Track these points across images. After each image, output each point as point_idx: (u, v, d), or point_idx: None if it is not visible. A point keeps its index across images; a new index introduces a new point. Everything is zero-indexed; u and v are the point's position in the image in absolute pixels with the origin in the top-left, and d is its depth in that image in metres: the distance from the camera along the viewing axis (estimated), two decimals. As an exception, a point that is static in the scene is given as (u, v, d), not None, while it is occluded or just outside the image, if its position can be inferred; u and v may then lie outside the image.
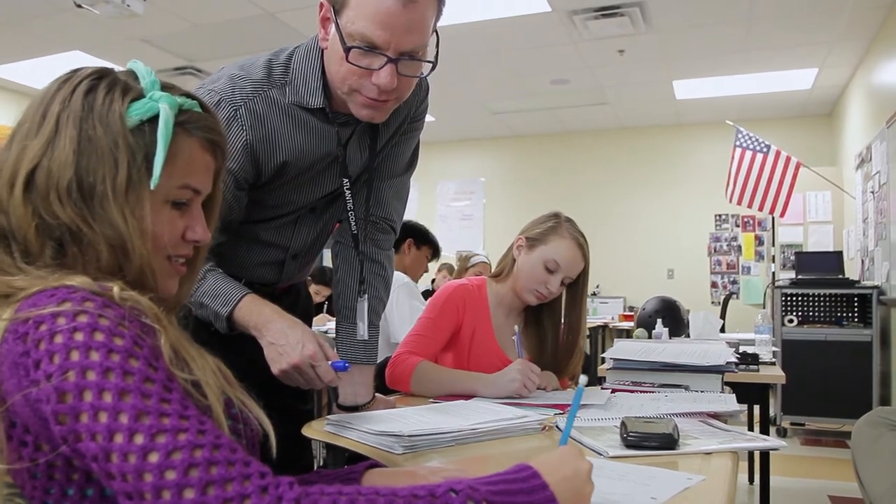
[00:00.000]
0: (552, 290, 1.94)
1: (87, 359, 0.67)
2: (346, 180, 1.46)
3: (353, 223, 1.50)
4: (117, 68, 0.89)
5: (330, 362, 1.28)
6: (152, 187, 0.81)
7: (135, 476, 0.63)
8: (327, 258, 6.29)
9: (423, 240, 3.75)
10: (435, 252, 3.88)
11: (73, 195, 0.79)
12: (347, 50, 1.23)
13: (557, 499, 0.70)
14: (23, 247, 0.80)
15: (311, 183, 1.48)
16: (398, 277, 3.30)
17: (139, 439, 0.64)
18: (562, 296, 2.03)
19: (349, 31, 1.22)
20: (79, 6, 4.40)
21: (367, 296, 1.54)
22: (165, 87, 0.86)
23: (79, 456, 0.67)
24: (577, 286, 2.01)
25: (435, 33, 1.31)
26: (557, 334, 2.04)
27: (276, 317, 1.31)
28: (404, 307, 3.16)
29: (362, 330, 1.53)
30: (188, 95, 0.88)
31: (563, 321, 2.04)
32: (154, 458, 0.63)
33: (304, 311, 1.76)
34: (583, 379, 0.92)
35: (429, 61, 1.28)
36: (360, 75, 1.26)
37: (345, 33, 1.23)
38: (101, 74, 0.85)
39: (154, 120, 0.82)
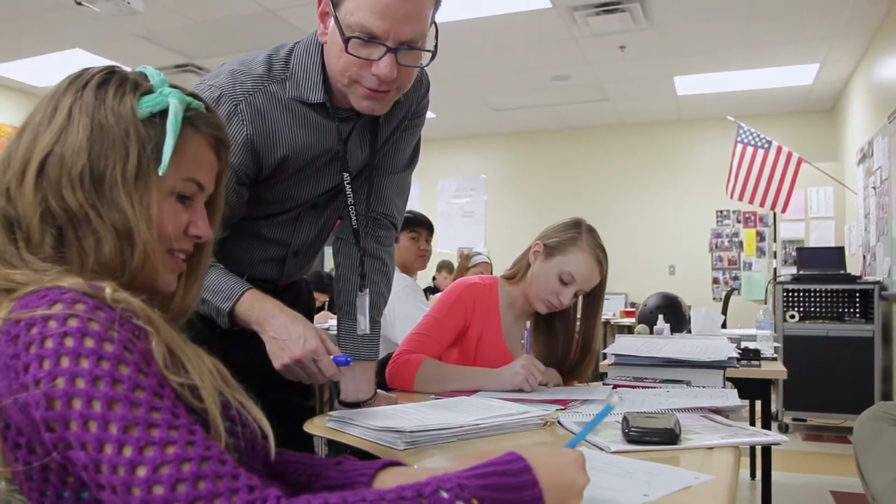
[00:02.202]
0: (563, 303, 1.90)
1: (77, 366, 0.67)
2: (346, 175, 1.46)
3: (353, 218, 1.50)
4: (125, 68, 0.90)
5: (332, 356, 1.28)
6: (161, 173, 0.83)
7: (123, 489, 0.63)
8: (328, 258, 6.29)
9: (416, 224, 3.46)
10: (428, 230, 3.54)
11: (84, 181, 0.80)
12: (346, 40, 1.23)
13: (544, 499, 0.70)
14: (26, 236, 0.81)
15: (312, 179, 1.48)
16: (402, 279, 3.26)
17: (128, 452, 0.64)
18: (577, 303, 1.99)
19: (348, 22, 1.22)
20: (79, 3, 4.40)
21: (367, 291, 1.54)
22: (173, 87, 0.89)
23: (70, 463, 0.67)
24: (593, 296, 1.97)
25: (434, 25, 1.31)
26: (570, 342, 2.01)
27: (278, 311, 1.31)
28: (407, 308, 3.14)
29: (363, 325, 1.53)
30: (194, 96, 0.91)
31: (577, 329, 2.01)
32: (142, 472, 0.63)
33: (306, 307, 1.76)
34: (615, 399, 0.89)
35: (428, 51, 1.28)
36: (360, 66, 1.26)
37: (344, 25, 1.23)
38: (111, 71, 0.87)
39: (164, 114, 0.85)
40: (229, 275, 1.37)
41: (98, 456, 0.64)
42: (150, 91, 0.86)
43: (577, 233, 1.93)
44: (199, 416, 0.73)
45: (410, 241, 3.49)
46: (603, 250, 1.93)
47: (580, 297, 1.97)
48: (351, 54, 1.24)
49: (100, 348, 0.68)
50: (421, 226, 3.53)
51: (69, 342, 0.68)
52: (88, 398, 0.65)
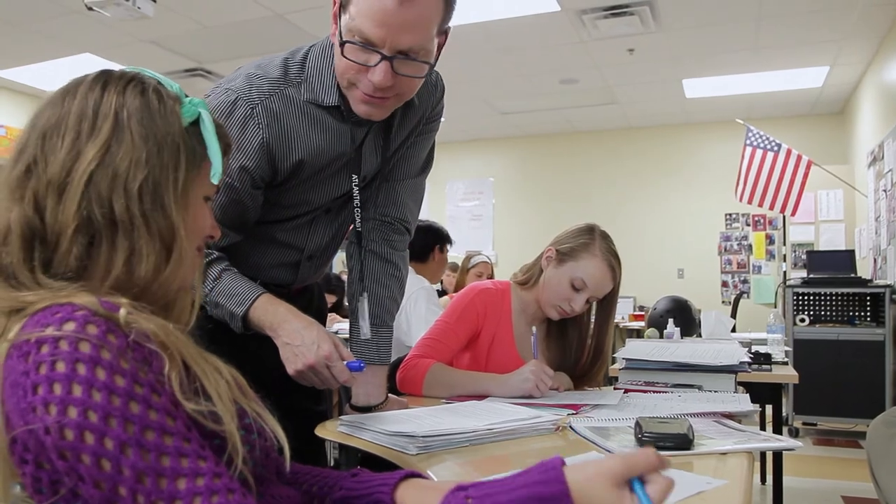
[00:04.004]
0: (575, 309, 1.89)
1: (90, 398, 0.67)
2: (354, 177, 1.45)
3: (358, 220, 1.50)
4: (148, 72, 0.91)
5: (345, 362, 1.28)
6: (216, 181, 0.86)
7: None
8: (336, 261, 6.34)
9: (445, 240, 3.66)
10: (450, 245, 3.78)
11: (143, 194, 0.80)
12: (342, 44, 1.24)
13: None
14: (50, 252, 0.79)
15: (327, 183, 1.48)
16: (417, 281, 3.30)
17: (141, 500, 0.65)
18: (590, 309, 1.98)
19: (350, 26, 1.23)
20: (89, 9, 4.42)
21: (366, 295, 1.54)
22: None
23: (82, 497, 0.68)
24: (606, 302, 1.95)
25: (444, 35, 1.30)
26: (582, 346, 2.01)
27: (292, 317, 1.31)
28: (422, 311, 3.17)
29: (365, 329, 1.53)
30: None
31: (589, 334, 2.00)
32: None
33: (318, 312, 1.76)
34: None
35: (425, 62, 1.26)
36: (357, 70, 1.26)
37: (346, 28, 1.24)
38: (135, 77, 0.86)
39: (195, 123, 0.86)
40: (243, 279, 1.37)
41: (113, 497, 0.65)
42: (179, 100, 0.87)
43: (591, 239, 1.91)
44: (217, 434, 0.74)
45: (441, 255, 3.59)
46: (616, 257, 1.91)
47: (593, 303, 1.96)
48: (346, 58, 1.25)
49: (111, 382, 0.68)
50: (448, 242, 3.65)
51: (81, 370, 0.67)
52: (101, 434, 0.66)
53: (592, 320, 2.01)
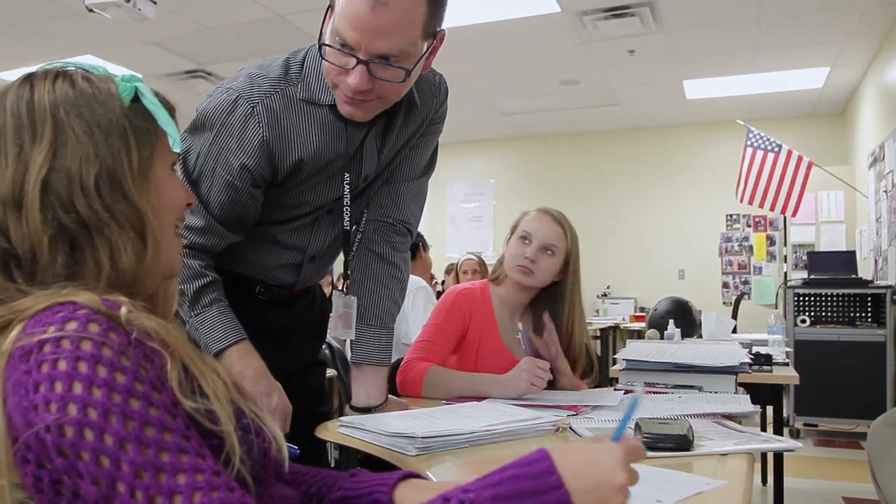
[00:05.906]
0: (530, 257, 1.94)
1: (90, 395, 0.66)
2: (346, 175, 1.46)
3: (346, 217, 1.49)
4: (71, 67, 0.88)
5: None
6: (178, 149, 0.84)
7: None
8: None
9: (423, 240, 4.01)
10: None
11: (101, 188, 0.78)
12: (320, 46, 1.26)
13: (573, 500, 0.65)
14: (29, 266, 0.78)
15: (327, 183, 1.48)
16: (415, 281, 3.38)
17: (139, 496, 0.65)
18: (565, 290, 2.00)
19: (333, 29, 1.24)
20: (90, 10, 4.42)
21: (342, 293, 1.54)
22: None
23: (80, 494, 0.67)
24: (566, 275, 1.99)
25: (433, 37, 1.29)
26: (561, 329, 2.00)
27: (251, 386, 1.30)
28: (420, 309, 3.21)
29: (339, 329, 1.53)
30: None
31: (567, 318, 2.01)
32: None
33: (320, 313, 1.76)
34: (640, 389, 0.86)
35: (402, 68, 1.26)
36: (337, 73, 1.27)
37: (330, 31, 1.25)
38: (60, 70, 0.84)
39: (135, 100, 0.84)
40: (228, 317, 1.38)
41: (111, 494, 0.65)
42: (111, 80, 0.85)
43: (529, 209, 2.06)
44: (215, 434, 0.74)
45: (425, 254, 3.98)
46: (557, 213, 2.04)
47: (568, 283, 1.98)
48: (326, 60, 1.27)
49: (112, 379, 0.67)
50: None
51: (82, 367, 0.67)
52: (100, 431, 0.65)
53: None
